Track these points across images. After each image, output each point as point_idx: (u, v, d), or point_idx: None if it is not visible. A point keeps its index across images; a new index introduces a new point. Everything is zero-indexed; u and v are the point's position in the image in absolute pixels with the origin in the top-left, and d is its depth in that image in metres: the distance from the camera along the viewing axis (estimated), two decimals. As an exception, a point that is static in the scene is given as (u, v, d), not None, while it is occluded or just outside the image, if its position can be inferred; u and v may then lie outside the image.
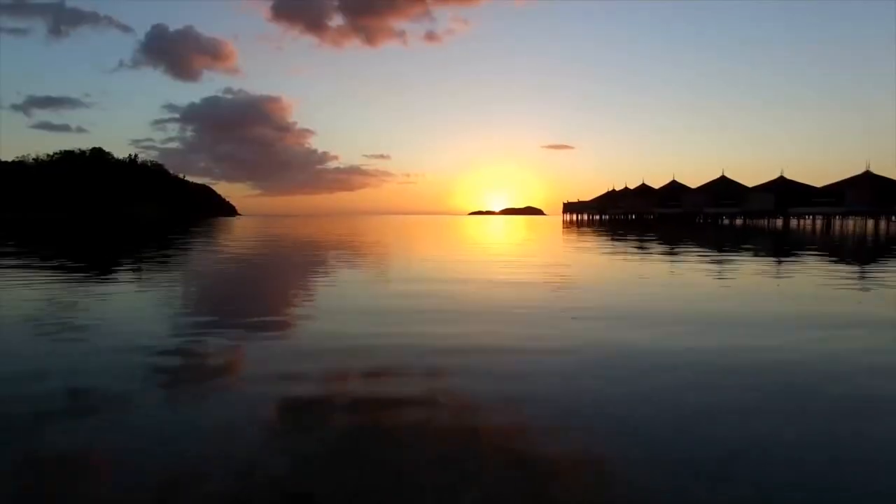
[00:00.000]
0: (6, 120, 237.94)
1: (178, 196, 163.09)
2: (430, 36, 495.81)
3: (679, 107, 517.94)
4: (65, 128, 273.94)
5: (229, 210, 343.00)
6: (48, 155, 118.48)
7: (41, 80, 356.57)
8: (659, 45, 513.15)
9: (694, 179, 73.96)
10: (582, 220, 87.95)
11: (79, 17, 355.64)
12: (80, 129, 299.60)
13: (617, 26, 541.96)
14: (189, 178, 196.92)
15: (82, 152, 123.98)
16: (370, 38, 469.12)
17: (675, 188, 62.62)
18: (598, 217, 77.22)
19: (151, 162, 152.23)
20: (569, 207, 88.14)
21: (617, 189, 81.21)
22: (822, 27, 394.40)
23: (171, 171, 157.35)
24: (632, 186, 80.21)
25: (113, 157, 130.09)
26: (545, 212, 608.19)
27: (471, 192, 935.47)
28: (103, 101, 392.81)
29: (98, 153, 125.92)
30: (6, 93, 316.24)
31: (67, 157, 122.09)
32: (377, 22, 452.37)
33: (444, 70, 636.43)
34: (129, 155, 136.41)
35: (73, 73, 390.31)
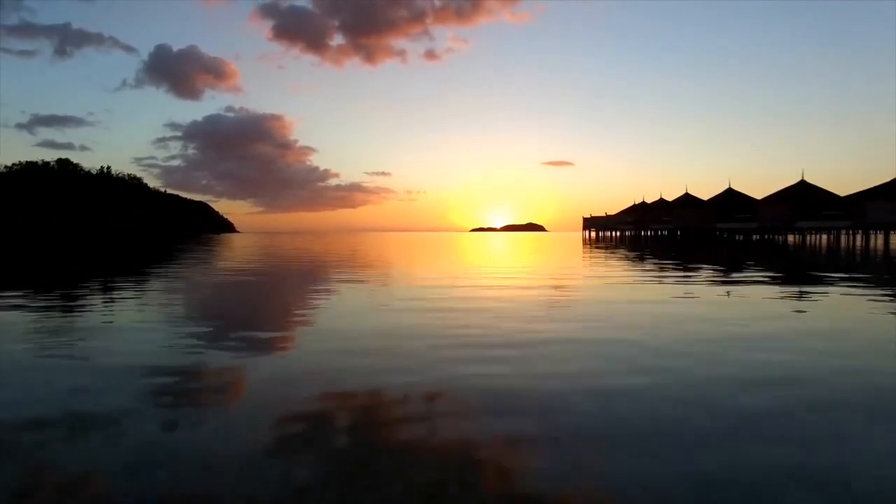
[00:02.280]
0: (11, 139, 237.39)
1: (164, 213, 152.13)
2: (430, 55, 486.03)
3: (682, 121, 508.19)
4: (68, 146, 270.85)
5: (227, 227, 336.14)
6: (5, 166, 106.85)
7: (46, 99, 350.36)
8: (659, 60, 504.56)
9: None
10: (605, 236, 75.98)
11: (84, 38, 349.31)
12: (83, 147, 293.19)
13: (616, 42, 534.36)
14: (188, 196, 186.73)
15: (46, 163, 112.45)
16: (370, 56, 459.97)
17: (734, 197, 50.62)
18: (631, 234, 65.08)
19: (129, 175, 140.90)
20: (591, 223, 76.12)
21: (648, 201, 69.46)
22: (833, 30, 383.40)
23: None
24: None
25: (82, 170, 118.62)
26: (547, 228, 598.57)
27: (471, 209, 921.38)
28: (107, 119, 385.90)
29: (64, 164, 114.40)
30: (12, 112, 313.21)
31: (30, 168, 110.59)
32: (377, 41, 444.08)
33: (444, 88, 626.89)
34: (102, 167, 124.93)
35: (77, 92, 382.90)
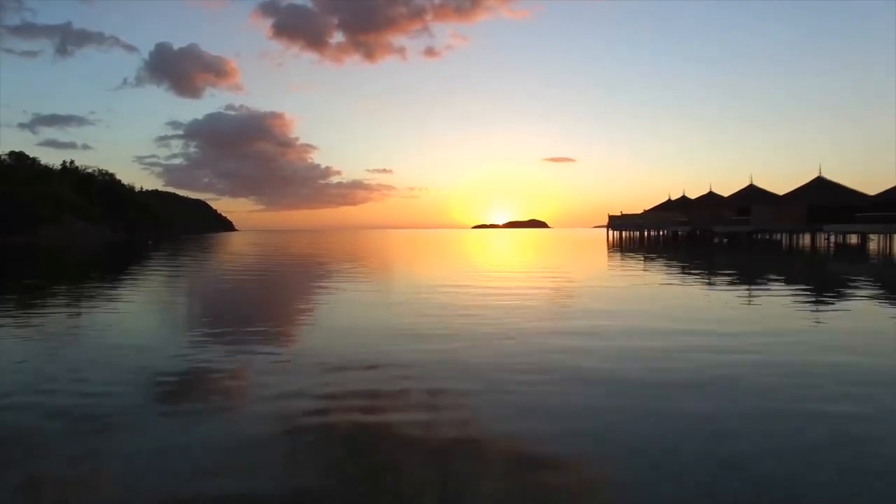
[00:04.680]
0: (13, 138, 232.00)
1: (147, 213, 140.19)
2: (430, 51, 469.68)
3: (684, 117, 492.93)
4: (71, 145, 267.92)
5: (226, 226, 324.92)
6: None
7: (47, 98, 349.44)
8: (661, 56, 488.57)
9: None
10: (633, 236, 63.64)
11: (85, 38, 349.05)
12: (85, 146, 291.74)
13: (616, 38, 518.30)
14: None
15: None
16: (370, 53, 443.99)
17: (827, 193, 38.09)
18: (675, 234, 52.57)
19: (100, 171, 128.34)
20: (619, 223, 63.79)
21: (690, 197, 56.87)
22: (836, 27, 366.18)
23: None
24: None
25: (40, 165, 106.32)
26: (549, 225, 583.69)
27: (473, 206, 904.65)
28: (108, 118, 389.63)
29: (19, 158, 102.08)
30: (14, 112, 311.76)
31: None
32: (377, 38, 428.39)
33: (444, 85, 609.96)
34: (64, 161, 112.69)
35: (78, 91, 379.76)
